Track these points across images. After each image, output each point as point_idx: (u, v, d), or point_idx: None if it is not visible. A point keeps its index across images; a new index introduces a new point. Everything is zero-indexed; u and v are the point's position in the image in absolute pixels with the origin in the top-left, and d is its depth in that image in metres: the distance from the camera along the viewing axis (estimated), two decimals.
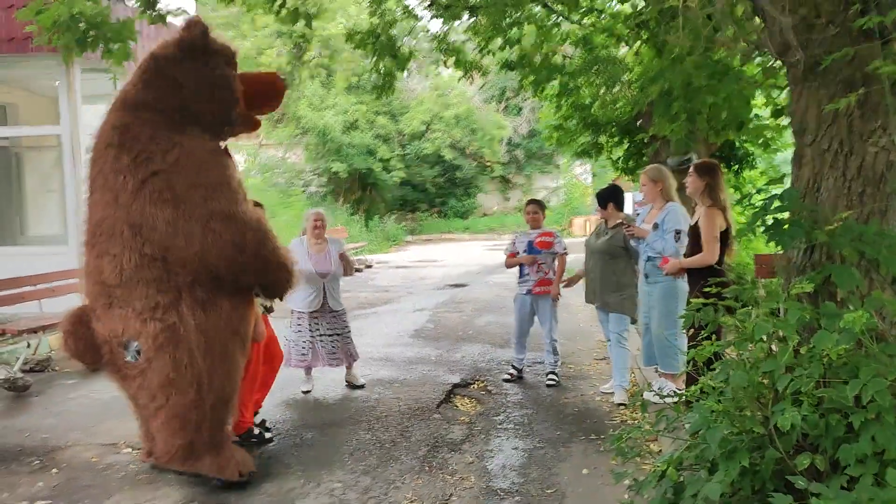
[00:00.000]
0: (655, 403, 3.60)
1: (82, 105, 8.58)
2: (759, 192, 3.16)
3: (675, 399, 3.21)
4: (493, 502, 3.63)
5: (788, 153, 3.23)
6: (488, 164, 28.69)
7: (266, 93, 4.21)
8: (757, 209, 2.90)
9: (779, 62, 3.22)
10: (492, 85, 27.71)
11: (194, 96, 3.81)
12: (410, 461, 4.17)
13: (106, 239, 3.69)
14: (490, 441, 4.53)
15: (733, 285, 3.15)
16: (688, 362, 3.17)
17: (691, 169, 4.68)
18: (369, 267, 16.16)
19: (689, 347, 3.89)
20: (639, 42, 6.94)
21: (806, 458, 2.34)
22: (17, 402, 5.62)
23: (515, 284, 6.06)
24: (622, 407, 5.12)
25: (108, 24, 4.91)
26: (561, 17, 7.60)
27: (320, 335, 5.63)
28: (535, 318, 5.99)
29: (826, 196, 2.94)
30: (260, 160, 23.44)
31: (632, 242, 5.22)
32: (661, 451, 4.00)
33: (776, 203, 2.86)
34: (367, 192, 24.86)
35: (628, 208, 12.68)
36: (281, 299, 4.21)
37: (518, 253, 5.93)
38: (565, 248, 5.95)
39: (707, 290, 3.33)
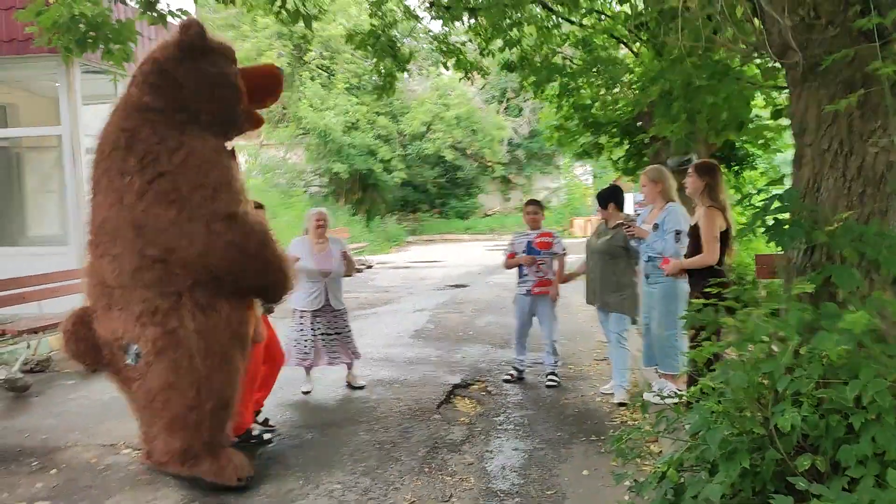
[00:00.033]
0: (656, 404, 3.60)
1: (82, 106, 8.58)
2: (759, 192, 3.16)
3: (676, 400, 3.21)
4: (493, 503, 3.63)
5: (789, 154, 3.23)
6: (489, 164, 28.69)
7: (266, 85, 4.21)
8: (757, 209, 2.89)
9: (778, 63, 3.22)
10: (493, 86, 27.73)
11: (198, 96, 3.82)
12: (410, 462, 4.16)
13: (108, 240, 3.70)
14: (490, 442, 4.52)
15: (733, 286, 3.15)
16: (689, 363, 3.17)
17: (691, 169, 4.68)
18: (370, 267, 16.16)
19: (690, 348, 3.89)
20: (638, 43, 6.95)
21: (806, 459, 2.33)
22: (17, 402, 5.62)
23: (515, 285, 6.05)
24: (622, 407, 5.11)
25: (109, 24, 4.92)
26: (561, 19, 7.60)
27: (322, 334, 5.63)
28: (535, 319, 5.98)
29: (826, 196, 2.93)
30: (261, 160, 23.46)
31: (632, 243, 5.21)
32: (661, 452, 3.99)
33: (776, 203, 2.86)
34: (367, 193, 24.86)
35: (629, 209, 12.68)
36: (277, 303, 4.21)
37: (517, 253, 5.93)
38: (564, 249, 5.95)
39: (707, 290, 3.33)
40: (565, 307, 9.20)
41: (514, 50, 7.67)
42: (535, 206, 6.04)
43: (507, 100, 28.48)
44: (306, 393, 5.63)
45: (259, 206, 4.82)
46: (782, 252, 3.06)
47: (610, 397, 5.35)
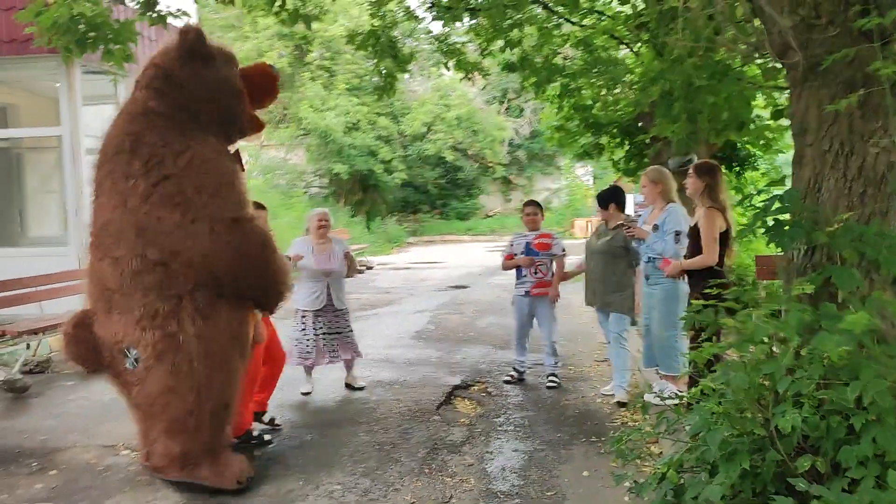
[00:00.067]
0: (656, 405, 3.59)
1: (83, 106, 8.58)
2: (759, 193, 3.15)
3: (676, 401, 3.20)
4: None
5: (790, 154, 3.22)
6: (490, 165, 28.69)
7: (264, 84, 4.23)
8: (758, 210, 2.89)
9: (779, 63, 3.21)
10: (494, 86, 27.72)
11: (201, 99, 3.84)
12: (410, 463, 4.15)
13: (110, 242, 3.70)
14: (490, 443, 4.51)
15: (734, 287, 3.15)
16: (689, 364, 3.17)
17: (691, 170, 4.67)
18: (370, 268, 16.16)
19: (691, 349, 3.88)
20: (639, 44, 6.94)
21: (807, 460, 2.33)
22: (17, 403, 5.62)
23: (514, 286, 6.05)
24: (622, 408, 5.11)
25: (109, 25, 4.92)
26: (562, 19, 7.60)
27: (324, 334, 5.62)
28: (535, 320, 5.98)
29: (827, 197, 2.93)
30: (261, 161, 23.45)
31: (633, 244, 5.21)
32: (661, 453, 3.99)
33: (777, 204, 2.86)
34: (368, 194, 24.85)
35: (630, 209, 12.66)
36: (272, 311, 4.22)
37: (515, 255, 5.92)
38: (563, 250, 5.94)
39: (707, 291, 3.32)
40: (566, 308, 9.19)
41: (515, 50, 7.67)
42: (534, 206, 6.04)
43: (508, 100, 28.48)
44: (306, 394, 5.62)
45: (260, 207, 4.83)
46: (783, 253, 3.05)
47: (610, 398, 5.34)
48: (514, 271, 6.00)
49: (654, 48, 5.68)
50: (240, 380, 3.98)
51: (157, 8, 5.39)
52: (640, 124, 7.82)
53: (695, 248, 4.55)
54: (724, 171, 8.24)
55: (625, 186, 7.53)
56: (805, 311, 2.58)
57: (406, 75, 19.33)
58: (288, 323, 5.85)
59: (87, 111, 8.88)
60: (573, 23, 7.65)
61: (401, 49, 8.08)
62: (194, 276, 3.66)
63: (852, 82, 2.83)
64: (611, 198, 5.54)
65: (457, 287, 12.77)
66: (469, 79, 8.68)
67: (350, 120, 23.46)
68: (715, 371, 2.82)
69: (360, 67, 24.15)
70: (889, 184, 2.84)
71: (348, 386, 5.82)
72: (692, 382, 3.64)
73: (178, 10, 5.46)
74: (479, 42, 8.16)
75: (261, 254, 3.81)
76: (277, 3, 6.10)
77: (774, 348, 2.70)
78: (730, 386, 2.64)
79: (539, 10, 7.42)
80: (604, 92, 7.74)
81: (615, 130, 8.42)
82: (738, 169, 8.92)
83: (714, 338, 3.04)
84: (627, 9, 6.44)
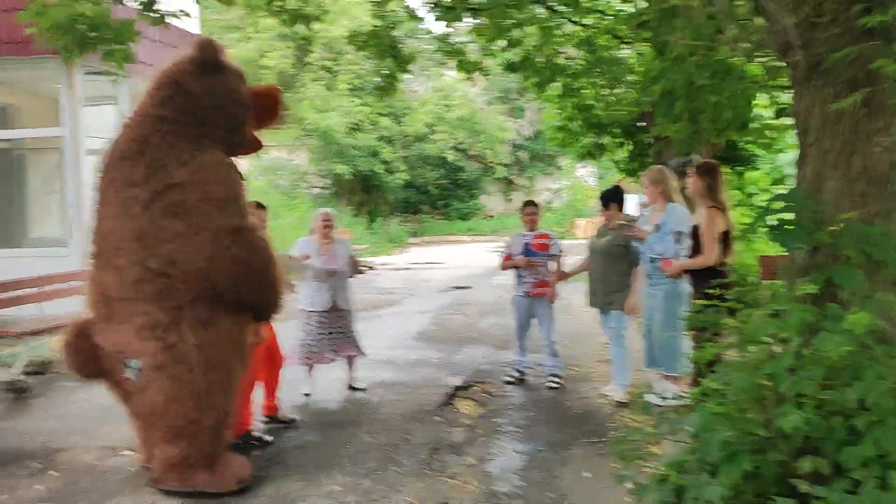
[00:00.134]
0: (657, 406, 3.57)
1: (84, 107, 8.59)
2: (762, 192, 3.14)
3: (677, 402, 3.19)
4: None
5: (792, 154, 3.20)
6: (491, 165, 28.66)
7: (269, 106, 4.28)
8: (760, 210, 2.87)
9: (781, 62, 3.19)
10: (495, 87, 27.70)
11: (209, 111, 3.86)
12: (411, 464, 4.14)
13: (111, 251, 3.70)
14: (491, 444, 4.50)
15: (735, 286, 3.13)
16: (693, 364, 3.15)
17: (691, 170, 4.66)
18: (372, 269, 16.15)
19: (694, 349, 3.87)
20: (641, 43, 6.92)
21: (809, 461, 2.31)
22: (18, 404, 5.61)
23: (513, 287, 6.04)
24: (623, 407, 5.10)
25: (109, 25, 4.91)
26: (563, 19, 7.58)
27: (328, 333, 5.61)
28: (534, 321, 5.97)
29: (829, 196, 2.91)
30: (263, 162, 23.46)
31: (634, 243, 5.20)
32: (663, 454, 3.97)
33: (779, 203, 2.84)
34: (370, 194, 24.85)
35: (633, 210, 12.62)
36: (268, 320, 4.27)
37: (514, 255, 5.91)
38: (561, 250, 5.93)
39: (709, 291, 3.30)
40: (567, 309, 9.18)
41: (517, 50, 7.66)
42: (533, 206, 6.02)
43: (510, 101, 28.45)
44: (307, 395, 5.61)
45: (260, 207, 4.84)
46: (785, 253, 3.03)
47: (612, 399, 5.32)
48: (513, 271, 5.98)
49: (655, 47, 5.66)
50: (239, 387, 4.00)
51: (158, 8, 5.38)
52: (641, 124, 7.80)
53: (696, 249, 4.53)
54: (726, 170, 8.25)
55: (627, 187, 7.52)
56: (807, 312, 2.56)
57: (407, 76, 19.34)
58: (289, 323, 5.84)
59: (89, 112, 8.90)
60: (575, 22, 7.64)
61: (402, 49, 8.07)
62: (195, 285, 3.67)
63: (855, 81, 2.81)
64: (612, 198, 5.55)
65: (458, 288, 12.75)
66: (470, 79, 8.66)
67: (352, 120, 23.46)
68: (716, 371, 2.80)
69: (361, 68, 24.14)
70: (892, 183, 2.82)
71: (349, 386, 5.81)
72: (696, 383, 3.62)
73: (180, 10, 5.45)
74: (481, 42, 8.15)
75: (262, 264, 3.83)
76: (277, 4, 6.08)
77: (776, 348, 2.68)
78: (731, 386, 2.62)
79: (541, 9, 7.41)
80: (605, 92, 7.72)
81: (617, 130, 8.41)
82: (740, 169, 8.90)
83: (716, 338, 3.02)
84: (629, 7, 6.43)
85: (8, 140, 10.24)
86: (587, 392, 5.63)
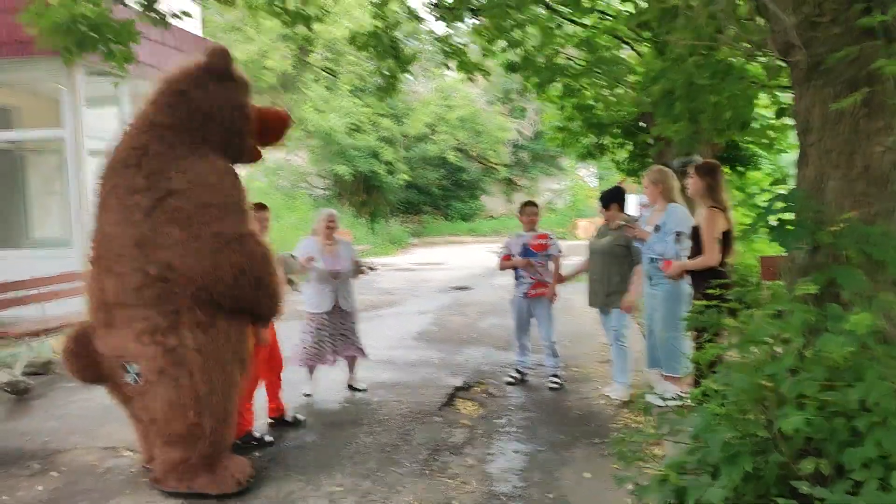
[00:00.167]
0: (658, 407, 3.57)
1: (85, 108, 8.59)
2: (762, 192, 3.12)
3: (678, 402, 3.18)
4: None
5: (795, 154, 3.19)
6: (493, 166, 28.66)
7: (274, 127, 4.31)
8: (760, 210, 2.86)
9: (782, 62, 3.18)
10: (496, 87, 27.69)
11: (211, 119, 3.87)
12: (411, 465, 4.14)
13: (111, 257, 3.71)
14: (492, 444, 4.49)
15: (736, 287, 3.12)
16: (695, 366, 3.14)
17: (692, 170, 4.65)
18: (374, 269, 16.13)
19: (695, 350, 3.86)
20: (641, 43, 6.91)
21: (810, 462, 2.30)
22: (19, 405, 5.61)
23: (512, 287, 6.03)
24: (625, 407, 5.09)
25: (109, 25, 4.91)
26: (564, 19, 7.58)
27: (330, 335, 5.60)
28: (534, 321, 5.96)
29: (830, 196, 2.90)
30: (264, 163, 23.47)
31: (635, 244, 5.20)
32: (664, 455, 3.96)
33: (780, 203, 2.83)
34: (371, 195, 24.84)
35: (634, 210, 12.58)
36: (266, 325, 4.32)
37: (513, 255, 5.90)
38: (560, 251, 5.92)
39: (710, 291, 3.30)
40: (568, 309, 9.18)
41: (517, 51, 7.65)
42: (533, 207, 6.01)
43: (511, 101, 28.44)
44: (308, 395, 5.61)
45: (263, 208, 4.84)
46: (786, 253, 3.02)
47: (613, 400, 5.32)
48: (512, 272, 5.97)
49: (655, 47, 5.65)
50: (240, 389, 4.00)
51: (159, 9, 5.38)
52: (642, 124, 7.79)
53: (697, 249, 4.52)
54: (727, 171, 8.24)
55: (628, 187, 7.51)
56: (808, 312, 2.55)
57: (408, 76, 19.33)
58: (290, 324, 5.84)
59: (90, 113, 8.90)
60: (575, 22, 7.63)
61: (403, 49, 8.06)
62: (193, 291, 3.67)
63: (856, 81, 2.80)
64: (613, 198, 5.55)
65: (459, 288, 12.75)
66: (471, 79, 8.66)
67: (353, 121, 23.47)
68: (717, 372, 2.79)
69: (362, 69, 24.14)
70: (893, 183, 2.81)
71: (350, 387, 5.81)
72: (697, 383, 3.62)
73: (181, 11, 5.45)
74: (481, 42, 8.15)
75: (260, 272, 3.82)
76: (277, 4, 6.08)
77: (777, 349, 2.67)
78: (732, 387, 2.61)
79: (541, 9, 7.40)
80: (606, 92, 7.71)
81: (617, 131, 8.39)
82: (741, 169, 8.88)
83: (716, 338, 3.01)
84: (629, 7, 6.41)
85: (9, 141, 10.25)
86: (588, 392, 5.62)
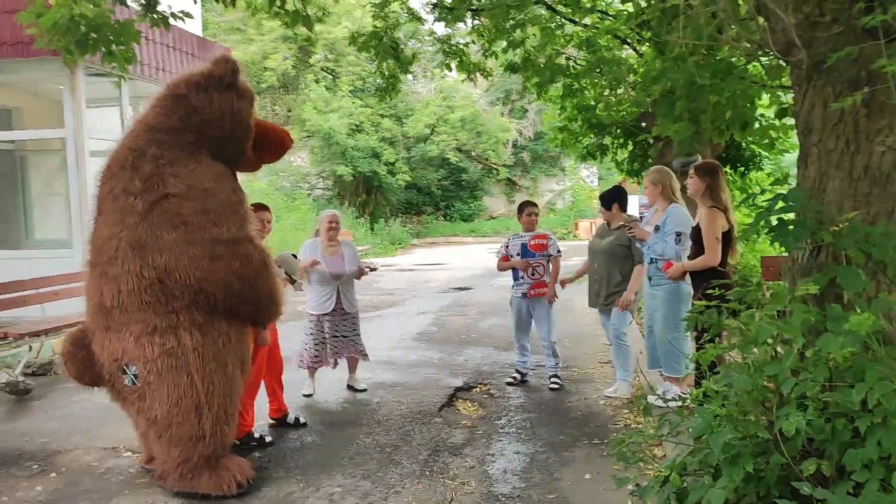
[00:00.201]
0: (659, 407, 3.56)
1: (86, 108, 8.59)
2: (763, 192, 3.11)
3: (679, 403, 3.17)
4: None
5: (796, 154, 3.18)
6: (494, 166, 28.65)
7: (274, 143, 4.33)
8: (761, 210, 2.85)
9: (783, 61, 3.17)
10: (497, 87, 27.69)
11: (210, 125, 3.87)
12: (411, 465, 4.13)
13: (107, 260, 3.71)
14: (492, 445, 4.48)
15: (736, 287, 3.11)
16: (695, 366, 3.13)
17: (692, 170, 4.64)
18: (374, 270, 16.15)
19: (696, 350, 3.85)
20: (642, 43, 6.90)
21: (811, 463, 2.29)
22: (19, 405, 5.61)
23: (511, 287, 6.02)
24: (627, 405, 5.08)
25: (109, 26, 4.90)
26: (564, 19, 7.57)
27: (331, 337, 5.59)
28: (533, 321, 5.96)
29: (832, 196, 2.89)
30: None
31: (636, 244, 5.19)
32: (664, 455, 3.95)
33: (781, 203, 2.81)
34: (372, 195, 24.85)
35: (634, 210, 12.54)
36: (265, 327, 4.30)
37: (511, 256, 5.89)
38: (559, 251, 5.92)
39: (710, 292, 3.29)
40: (569, 310, 9.17)
41: (518, 51, 7.65)
42: (533, 207, 6.00)
43: (512, 102, 28.45)
44: (307, 396, 5.60)
45: (264, 208, 4.84)
46: (787, 253, 3.01)
47: (614, 400, 5.31)
48: (511, 272, 5.96)
49: (655, 47, 5.64)
50: (240, 389, 4.00)
51: (159, 8, 5.37)
52: (643, 124, 7.78)
53: (697, 249, 4.51)
54: (728, 171, 8.22)
55: (629, 187, 7.49)
56: (810, 313, 2.54)
57: (409, 77, 19.33)
58: (291, 325, 5.83)
59: (91, 113, 8.90)
60: (576, 22, 7.62)
61: (403, 50, 8.06)
62: (191, 293, 3.67)
63: (857, 80, 2.79)
64: (613, 198, 5.54)
65: (460, 289, 12.75)
66: (472, 80, 8.66)
67: (354, 122, 23.48)
68: (718, 373, 2.78)
69: (363, 69, 24.16)
70: (894, 183, 2.80)
71: (350, 388, 5.80)
72: (697, 384, 3.61)
73: (181, 11, 5.44)
74: (482, 43, 8.14)
75: (256, 276, 3.82)
76: (277, 4, 6.08)
77: (778, 350, 2.66)
78: (733, 388, 2.60)
79: (542, 10, 7.40)
80: (606, 92, 7.70)
81: (618, 131, 8.38)
82: (742, 169, 8.86)
83: (717, 339, 3.00)
84: (630, 7, 6.41)
85: (11, 141, 10.25)
86: (589, 393, 5.61)
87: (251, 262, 3.77)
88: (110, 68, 5.61)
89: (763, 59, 3.60)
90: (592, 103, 8.00)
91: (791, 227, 2.77)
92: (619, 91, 7.47)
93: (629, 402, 5.19)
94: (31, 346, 6.39)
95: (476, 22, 7.77)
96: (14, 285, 6.53)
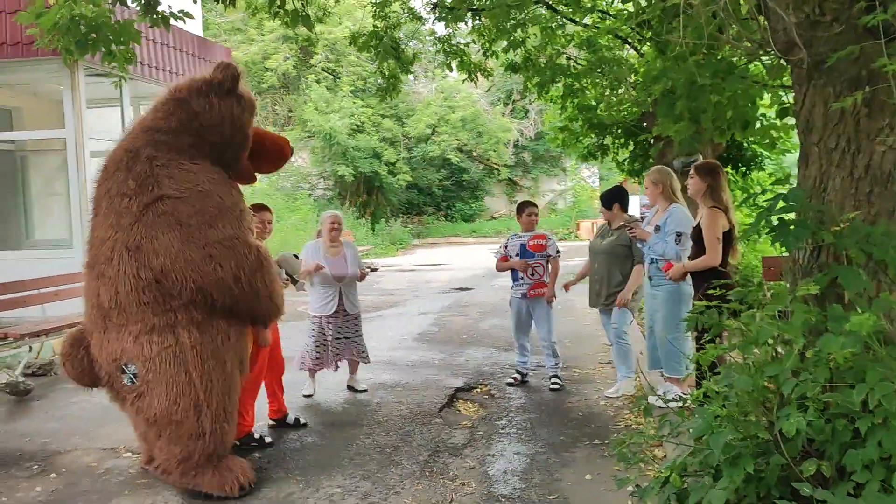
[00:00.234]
0: (659, 408, 3.55)
1: (87, 108, 8.59)
2: (764, 192, 3.10)
3: (680, 404, 3.16)
4: None
5: (797, 154, 3.17)
6: (495, 166, 28.65)
7: (272, 153, 4.33)
8: (762, 209, 2.84)
9: (784, 61, 3.17)
10: (498, 87, 27.69)
11: (212, 131, 3.87)
12: (411, 466, 4.12)
13: (104, 262, 3.71)
14: (492, 446, 4.48)
15: (738, 287, 3.10)
16: (696, 366, 3.13)
17: (692, 170, 4.63)
18: (374, 270, 16.15)
19: (697, 350, 3.84)
20: (643, 43, 6.89)
21: (812, 464, 2.28)
22: (19, 406, 5.61)
23: (510, 288, 6.01)
24: (628, 405, 5.08)
25: (109, 26, 4.90)
26: (565, 19, 7.56)
27: (333, 339, 5.58)
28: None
29: (833, 196, 2.88)
30: None
31: (637, 244, 5.19)
32: (665, 456, 3.95)
33: (781, 203, 2.81)
34: (373, 196, 24.86)
35: (635, 210, 12.52)
36: (266, 326, 4.30)
37: (511, 256, 5.88)
38: (558, 251, 5.91)
39: (710, 292, 3.28)
40: (569, 310, 9.16)
41: (518, 51, 7.64)
42: (533, 207, 5.98)
43: (513, 102, 28.44)
44: (308, 396, 5.59)
45: (265, 209, 4.83)
46: (787, 253, 3.00)
47: (614, 401, 5.31)
48: (510, 273, 5.95)
49: (656, 46, 5.63)
50: (239, 388, 3.99)
51: (160, 10, 5.37)
52: (643, 124, 7.77)
53: (698, 249, 4.51)
54: (730, 171, 8.20)
55: (629, 187, 7.48)
56: (810, 313, 2.53)
57: (410, 77, 19.32)
58: (292, 325, 5.82)
59: (92, 113, 8.90)
60: (576, 22, 7.62)
61: (404, 50, 8.06)
62: (188, 293, 3.67)
63: (858, 80, 2.78)
64: (614, 198, 5.53)
65: (461, 289, 12.74)
66: (472, 80, 8.65)
67: (354, 122, 23.48)
68: (718, 373, 2.78)
69: (364, 70, 24.16)
70: (895, 182, 2.79)
71: (350, 388, 5.80)
72: (698, 385, 3.60)
73: (181, 11, 5.43)
74: (482, 43, 8.14)
75: (255, 276, 3.81)
76: (277, 4, 6.08)
77: (779, 350, 2.65)
78: (733, 388, 2.59)
79: (542, 9, 7.39)
80: (607, 92, 7.69)
81: (619, 131, 8.37)
82: (744, 169, 8.85)
83: (718, 339, 2.99)
84: (630, 6, 6.40)
85: (11, 141, 10.25)
86: (589, 394, 5.60)
87: (248, 263, 3.77)
88: (110, 68, 5.61)
89: (764, 58, 3.59)
90: (593, 103, 8.00)
91: (792, 226, 2.76)
92: (619, 91, 7.46)
93: (632, 399, 5.18)
94: (31, 347, 6.39)
95: (476, 22, 7.77)
96: (14, 286, 6.54)
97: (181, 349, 3.64)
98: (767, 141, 6.71)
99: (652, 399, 3.35)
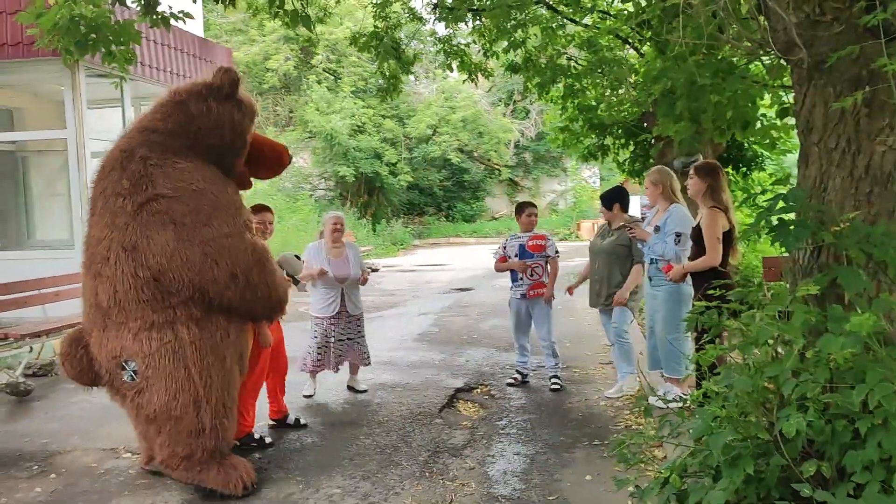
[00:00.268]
0: (659, 408, 3.55)
1: (88, 109, 8.60)
2: (764, 192, 3.10)
3: (679, 404, 3.15)
4: None
5: (798, 154, 3.16)
6: (496, 167, 28.64)
7: (271, 159, 4.34)
8: (762, 210, 2.83)
9: (784, 61, 3.16)
10: (499, 88, 27.69)
11: (210, 135, 3.88)
12: (411, 466, 4.12)
13: (101, 261, 3.72)
14: (492, 446, 4.47)
15: (738, 288, 3.10)
16: (696, 367, 3.12)
17: (692, 170, 4.63)
18: (375, 271, 16.15)
19: (697, 351, 3.84)
20: (643, 43, 6.88)
21: (812, 464, 2.28)
22: (19, 406, 5.61)
23: (509, 288, 6.01)
24: (627, 405, 5.07)
25: (109, 26, 4.90)
26: (565, 20, 7.56)
27: (335, 340, 5.58)
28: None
29: (833, 196, 2.87)
30: None
31: (637, 244, 5.18)
32: (665, 457, 3.94)
33: (781, 203, 2.80)
34: (374, 196, 24.87)
35: (636, 211, 12.52)
36: (269, 323, 4.31)
37: (510, 257, 5.87)
38: (557, 251, 5.90)
39: (710, 292, 3.27)
40: (569, 310, 9.16)
41: (519, 51, 7.64)
42: (532, 207, 5.98)
43: (514, 102, 28.44)
44: (308, 397, 5.59)
45: (265, 209, 4.83)
46: (787, 253, 3.00)
47: (614, 401, 5.30)
48: (509, 273, 5.94)
49: (656, 46, 5.63)
50: (239, 385, 3.98)
51: (161, 10, 5.37)
52: (644, 125, 7.76)
53: (698, 250, 4.50)
54: (730, 171, 8.19)
55: (630, 188, 7.47)
56: (810, 313, 2.53)
57: (411, 77, 19.33)
58: (293, 325, 5.82)
59: (93, 114, 8.90)
60: (577, 22, 7.61)
61: (404, 50, 8.06)
62: (186, 291, 3.68)
63: (858, 79, 2.77)
64: (615, 198, 5.53)
65: (461, 289, 12.74)
66: (473, 80, 8.65)
67: (355, 122, 23.49)
68: (718, 374, 2.77)
69: (365, 70, 24.16)
70: (895, 182, 2.78)
71: (351, 388, 5.79)
72: (698, 385, 3.59)
73: (181, 11, 5.43)
74: (483, 43, 8.14)
75: (252, 274, 3.81)
76: (277, 4, 6.08)
77: (779, 350, 2.65)
78: (733, 389, 2.59)
79: (543, 10, 7.39)
80: (608, 92, 7.69)
81: (619, 131, 8.36)
82: (744, 170, 8.84)
83: (718, 340, 2.99)
84: (630, 6, 6.40)
85: (13, 142, 10.26)
86: (590, 394, 5.60)
87: (244, 260, 3.77)
88: (110, 69, 5.61)
89: (764, 58, 3.58)
90: (594, 103, 8.00)
91: (792, 227, 2.76)
92: (620, 91, 7.46)
93: (631, 400, 5.17)
94: (31, 347, 6.39)
95: (477, 22, 7.77)
96: (15, 286, 6.54)
97: (180, 345, 3.64)
98: (767, 141, 6.70)
99: (652, 400, 3.34)
